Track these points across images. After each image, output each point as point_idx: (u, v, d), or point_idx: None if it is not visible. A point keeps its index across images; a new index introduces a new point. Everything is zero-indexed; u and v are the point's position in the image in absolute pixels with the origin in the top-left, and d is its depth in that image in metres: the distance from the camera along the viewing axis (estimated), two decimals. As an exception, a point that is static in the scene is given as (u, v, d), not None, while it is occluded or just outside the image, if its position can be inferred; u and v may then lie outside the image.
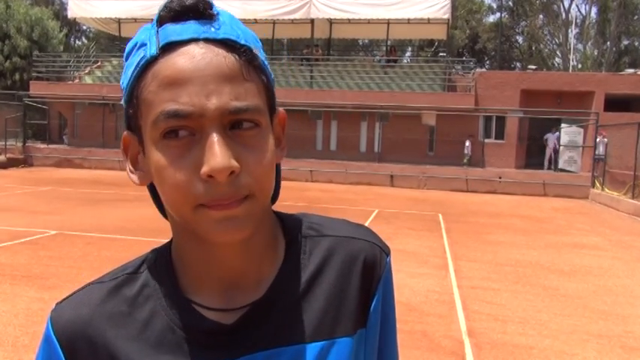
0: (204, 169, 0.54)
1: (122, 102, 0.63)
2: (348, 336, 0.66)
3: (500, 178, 17.71)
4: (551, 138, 19.28)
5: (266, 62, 0.62)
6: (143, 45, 0.58)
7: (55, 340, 0.64)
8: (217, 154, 0.54)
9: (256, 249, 0.64)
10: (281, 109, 0.67)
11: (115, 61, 24.25)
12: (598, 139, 17.30)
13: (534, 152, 20.07)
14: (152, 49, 0.57)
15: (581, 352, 4.31)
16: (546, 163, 19.55)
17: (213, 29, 0.57)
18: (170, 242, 0.68)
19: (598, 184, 16.67)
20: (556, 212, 13.35)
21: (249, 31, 0.62)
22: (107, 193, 13.37)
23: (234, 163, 0.55)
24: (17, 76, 27.18)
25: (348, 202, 12.94)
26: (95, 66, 24.16)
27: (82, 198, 12.21)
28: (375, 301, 0.69)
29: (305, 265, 0.67)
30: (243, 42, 0.58)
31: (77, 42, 41.36)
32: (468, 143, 19.19)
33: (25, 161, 20.41)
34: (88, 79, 23.14)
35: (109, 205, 11.29)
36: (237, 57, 0.57)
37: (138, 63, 0.58)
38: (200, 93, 0.55)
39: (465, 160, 18.97)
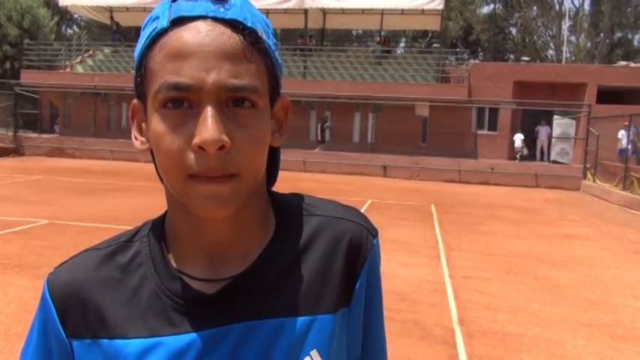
0: (196, 140, 0.57)
1: (134, 70, 0.66)
2: (330, 313, 0.68)
3: (492, 169, 17.78)
4: (541, 131, 19.37)
5: (274, 47, 0.64)
6: (157, 18, 0.61)
7: (50, 301, 0.67)
8: (209, 127, 0.56)
9: (244, 225, 0.66)
10: (285, 96, 0.69)
11: (106, 50, 24.05)
12: (622, 133, 16.18)
13: (527, 144, 20.15)
14: (163, 22, 0.60)
15: (570, 340, 4.36)
16: (538, 154, 19.65)
17: (222, 9, 0.60)
18: (165, 213, 0.70)
19: (590, 176, 16.77)
20: (548, 203, 13.44)
21: (261, 16, 0.64)
22: (99, 182, 13.31)
23: (225, 138, 0.57)
24: (8, 65, 26.92)
25: (342, 193, 12.95)
26: (87, 55, 23.95)
27: (74, 187, 12.15)
28: (360, 281, 0.70)
29: (292, 242, 0.69)
30: (249, 24, 0.60)
31: (68, 30, 40.95)
32: (522, 136, 19.09)
33: (16, 151, 20.26)
34: (79, 68, 22.94)
35: (101, 194, 11.24)
36: (241, 38, 0.59)
37: (149, 34, 0.61)
38: (201, 67, 0.57)
39: (518, 157, 18.94)
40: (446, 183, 17.21)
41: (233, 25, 0.59)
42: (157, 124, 0.59)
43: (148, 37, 0.61)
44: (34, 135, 21.56)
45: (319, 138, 19.98)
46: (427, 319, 4.66)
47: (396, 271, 5.99)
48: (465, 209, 11.56)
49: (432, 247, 7.59)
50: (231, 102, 0.59)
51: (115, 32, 24.40)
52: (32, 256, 6.11)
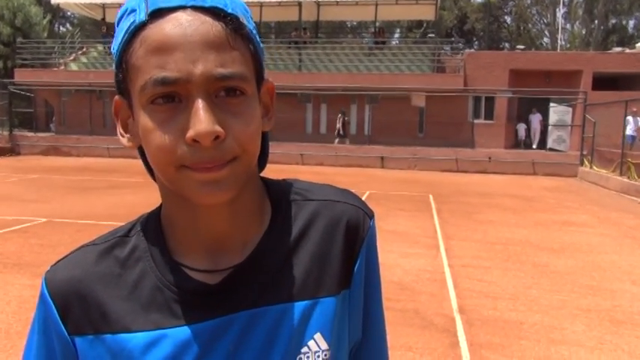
0: (190, 134, 0.56)
1: (113, 67, 0.64)
2: (332, 296, 0.68)
3: (490, 158, 17.81)
4: (533, 119, 19.41)
5: (254, 32, 0.63)
6: (133, 11, 0.59)
7: (49, 299, 0.66)
8: (202, 119, 0.55)
9: (241, 213, 0.66)
10: (269, 79, 0.68)
11: (100, 47, 23.94)
12: (629, 119, 15.90)
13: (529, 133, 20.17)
14: (141, 15, 0.58)
15: (570, 326, 4.38)
16: (535, 142, 19.69)
17: None
18: (160, 207, 0.70)
19: (587, 163, 16.80)
20: (545, 191, 13.47)
21: (238, 0, 0.62)
22: (96, 180, 13.28)
23: (219, 129, 0.56)
24: (1, 64, 26.79)
25: (339, 185, 12.86)
26: (80, 52, 23.86)
27: (71, 186, 12.13)
28: (359, 262, 0.71)
29: (289, 228, 0.69)
30: (230, 10, 0.59)
31: (61, 28, 40.73)
32: (525, 126, 19.10)
33: (12, 150, 20.20)
34: (73, 66, 22.85)
35: (99, 192, 11.23)
36: (223, 25, 0.58)
37: (127, 28, 0.59)
38: (186, 59, 0.56)
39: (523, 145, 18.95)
40: (443, 173, 17.22)
41: (213, 12, 0.58)
42: (145, 120, 0.58)
43: (126, 32, 0.59)
44: (29, 134, 21.51)
45: (341, 132, 19.69)
46: (427, 308, 4.68)
47: (396, 261, 6.00)
48: (463, 198, 11.57)
49: (431, 236, 7.60)
50: (221, 91, 0.58)
51: (104, 35, 24.15)
52: (31, 254, 6.11)
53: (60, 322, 0.65)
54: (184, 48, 0.56)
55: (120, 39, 0.60)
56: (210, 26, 0.57)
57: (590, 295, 5.19)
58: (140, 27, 0.58)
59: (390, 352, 0.79)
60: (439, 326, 4.29)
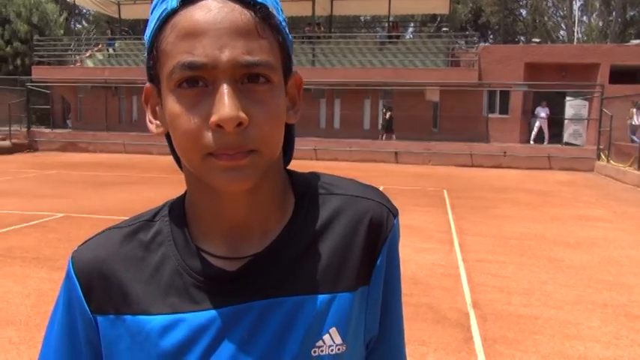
0: (213, 119, 0.57)
1: (145, 54, 0.65)
2: (350, 291, 0.68)
3: (505, 152, 17.66)
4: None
5: (284, 23, 0.64)
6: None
7: (74, 277, 0.69)
8: (226, 104, 0.56)
9: (263, 203, 0.67)
10: (297, 72, 0.68)
11: (115, 44, 24.12)
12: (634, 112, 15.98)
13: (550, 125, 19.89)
14: (172, 2, 0.60)
15: (585, 321, 4.36)
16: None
17: None
18: (185, 194, 0.71)
19: (603, 157, 16.60)
20: (561, 185, 13.33)
21: None
22: (111, 175, 13.42)
23: (242, 115, 0.57)
24: (19, 62, 27.10)
25: (353, 180, 12.93)
26: (96, 49, 24.05)
27: (88, 181, 12.28)
28: (380, 260, 0.70)
29: (312, 221, 0.69)
30: (259, 0, 0.60)
31: (77, 25, 41.09)
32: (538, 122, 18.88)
33: (30, 146, 20.47)
34: (89, 63, 23.06)
35: (114, 187, 11.35)
36: (252, 14, 0.59)
37: (159, 16, 0.61)
38: (214, 45, 0.57)
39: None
40: (458, 167, 17.12)
41: (243, 1, 0.59)
42: (172, 104, 0.59)
43: (158, 19, 0.61)
44: (47, 130, 21.78)
45: (391, 128, 19.35)
46: (441, 303, 4.68)
47: (409, 256, 6.00)
48: (478, 193, 11.51)
49: (445, 231, 7.58)
50: (246, 78, 0.59)
51: (110, 39, 24.18)
52: (49, 248, 6.21)
53: (83, 300, 0.68)
54: (212, 34, 0.57)
55: (152, 26, 0.62)
56: (239, 14, 0.58)
57: (606, 290, 5.14)
58: (171, 13, 0.60)
59: (406, 354, 0.80)
60: (453, 321, 4.29)
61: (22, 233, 6.94)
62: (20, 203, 9.12)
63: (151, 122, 0.67)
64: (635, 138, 15.83)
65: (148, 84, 0.66)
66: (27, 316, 4.20)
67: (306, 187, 0.72)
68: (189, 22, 0.58)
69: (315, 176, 0.74)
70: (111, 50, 23.68)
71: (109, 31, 24.81)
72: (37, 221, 7.67)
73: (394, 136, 19.40)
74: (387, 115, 19.57)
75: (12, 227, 7.25)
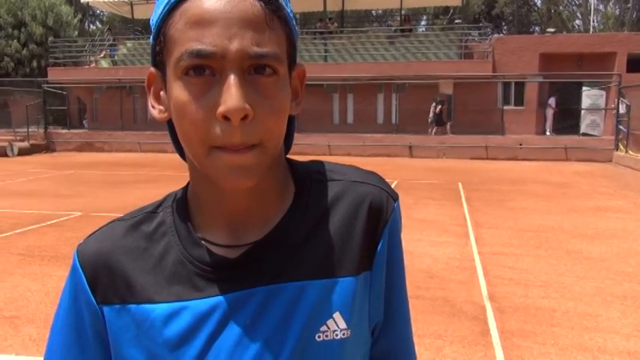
0: (221, 109, 0.57)
1: (150, 38, 0.65)
2: (352, 276, 0.68)
3: (520, 144, 17.47)
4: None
5: (292, 15, 0.64)
6: None
7: (80, 269, 0.70)
8: (234, 95, 0.57)
9: (264, 192, 0.67)
10: (302, 64, 0.69)
11: (129, 44, 24.30)
12: None
13: (556, 117, 19.71)
14: None
15: (604, 313, 4.30)
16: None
17: None
18: (187, 186, 0.72)
19: (622, 147, 16.35)
20: (579, 177, 13.17)
21: None
22: (128, 174, 13.55)
23: (248, 108, 0.57)
24: (35, 64, 27.40)
25: (367, 175, 12.89)
26: (110, 49, 24.24)
27: (104, 180, 12.41)
28: (381, 244, 0.70)
29: (312, 208, 0.70)
30: None
31: (91, 26, 41.47)
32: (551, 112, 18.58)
33: (47, 147, 20.74)
34: (104, 63, 23.26)
35: (130, 186, 11.46)
36: (262, 5, 0.59)
37: (168, 1, 0.61)
38: (223, 35, 0.57)
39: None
40: (473, 160, 16.99)
41: None
42: (179, 92, 0.59)
43: (167, 4, 0.61)
44: (63, 131, 22.03)
45: (442, 121, 18.92)
46: (457, 296, 4.65)
47: (425, 249, 5.97)
48: (494, 186, 11.41)
49: (461, 224, 7.53)
50: (253, 69, 0.59)
51: (112, 45, 24.31)
52: (67, 247, 6.29)
53: (89, 291, 0.69)
54: (222, 23, 0.57)
55: (160, 10, 0.62)
56: (250, 5, 0.58)
57: (626, 282, 5.07)
58: (181, 0, 0.59)
59: (419, 340, 0.80)
60: (469, 314, 4.26)
61: (40, 232, 7.04)
62: (38, 203, 9.25)
63: (153, 107, 0.67)
64: None
65: (151, 69, 0.66)
66: (46, 313, 4.26)
67: (306, 175, 0.72)
68: (199, 9, 0.58)
69: (315, 164, 0.75)
70: (129, 45, 23.81)
71: (109, 38, 24.88)
72: (54, 220, 7.77)
73: (448, 129, 18.84)
74: (438, 109, 18.98)
75: (30, 227, 7.35)
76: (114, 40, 24.67)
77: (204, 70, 0.58)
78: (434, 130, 19.07)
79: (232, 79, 0.57)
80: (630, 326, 4.05)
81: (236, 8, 0.58)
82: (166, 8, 0.60)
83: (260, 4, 0.59)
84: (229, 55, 0.57)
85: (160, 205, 0.73)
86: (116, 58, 23.45)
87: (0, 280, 5.08)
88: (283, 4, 0.62)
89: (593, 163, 16.30)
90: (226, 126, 0.57)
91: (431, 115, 19.20)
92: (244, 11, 0.58)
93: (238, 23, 0.57)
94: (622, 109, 16.45)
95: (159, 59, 0.63)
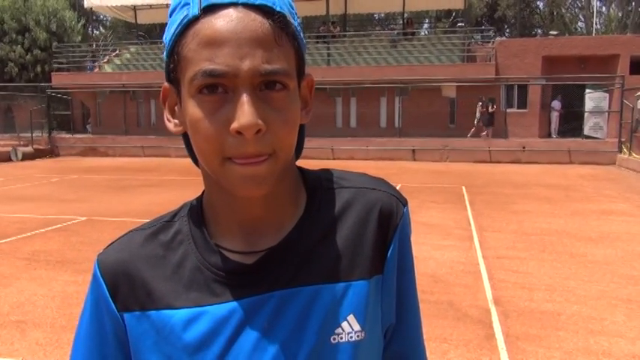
0: (234, 126, 0.59)
1: (164, 55, 0.67)
2: (364, 279, 0.70)
3: (524, 147, 17.46)
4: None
5: (299, 28, 0.66)
6: (186, 4, 0.63)
7: (101, 278, 0.72)
8: (247, 112, 0.59)
9: (277, 200, 0.70)
10: (310, 73, 0.71)
11: (132, 49, 24.40)
12: None
13: (561, 119, 19.68)
14: (194, 10, 0.61)
15: (609, 316, 4.30)
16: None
17: None
18: (202, 195, 0.74)
19: (625, 149, 16.32)
20: (582, 179, 13.15)
21: None
22: (132, 178, 13.59)
23: (261, 123, 0.59)
24: (39, 69, 27.53)
25: (371, 178, 12.90)
26: (114, 54, 24.35)
27: (108, 185, 12.45)
28: (392, 249, 0.72)
29: (324, 214, 0.72)
30: (278, 9, 0.62)
31: (95, 31, 41.62)
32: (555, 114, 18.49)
33: (51, 152, 20.83)
34: (107, 68, 23.36)
35: (135, 190, 11.49)
36: (271, 23, 0.61)
37: (181, 21, 0.63)
38: (235, 55, 0.59)
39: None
40: (476, 164, 16.99)
41: (262, 10, 0.61)
42: (193, 109, 0.62)
43: (179, 25, 0.63)
44: (67, 136, 22.11)
45: (488, 124, 18.62)
46: (462, 300, 4.65)
47: (429, 253, 5.97)
48: (497, 189, 11.41)
49: (464, 228, 7.53)
50: (264, 85, 0.61)
51: (114, 47, 24.40)
52: (73, 252, 6.31)
53: (110, 299, 0.71)
54: (233, 44, 0.59)
55: (173, 30, 0.64)
56: (259, 24, 0.60)
57: (631, 285, 5.06)
58: (193, 21, 0.61)
59: (424, 344, 0.81)
60: (474, 318, 4.27)
61: (45, 237, 7.07)
62: (43, 208, 9.29)
63: (169, 121, 0.69)
64: None
65: (166, 84, 0.68)
66: (53, 318, 4.28)
67: (317, 183, 0.75)
68: (210, 30, 0.60)
69: (325, 172, 0.77)
70: (132, 50, 23.93)
71: (109, 44, 24.99)
72: (60, 225, 7.80)
73: (490, 130, 18.56)
74: (488, 108, 18.56)
75: (36, 231, 7.38)
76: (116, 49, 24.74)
77: (217, 88, 0.60)
78: (485, 132, 18.52)
79: (245, 96, 0.59)
80: (635, 330, 4.04)
81: (246, 28, 0.60)
82: (179, 29, 0.62)
83: (269, 23, 0.61)
84: (241, 74, 0.59)
85: (176, 214, 0.75)
86: (119, 62, 23.52)
87: (6, 285, 5.10)
88: (291, 19, 0.64)
89: (596, 165, 16.27)
90: (239, 140, 0.60)
91: (478, 115, 18.76)
92: (254, 31, 0.60)
93: (249, 43, 0.59)
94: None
95: (173, 76, 0.65)
